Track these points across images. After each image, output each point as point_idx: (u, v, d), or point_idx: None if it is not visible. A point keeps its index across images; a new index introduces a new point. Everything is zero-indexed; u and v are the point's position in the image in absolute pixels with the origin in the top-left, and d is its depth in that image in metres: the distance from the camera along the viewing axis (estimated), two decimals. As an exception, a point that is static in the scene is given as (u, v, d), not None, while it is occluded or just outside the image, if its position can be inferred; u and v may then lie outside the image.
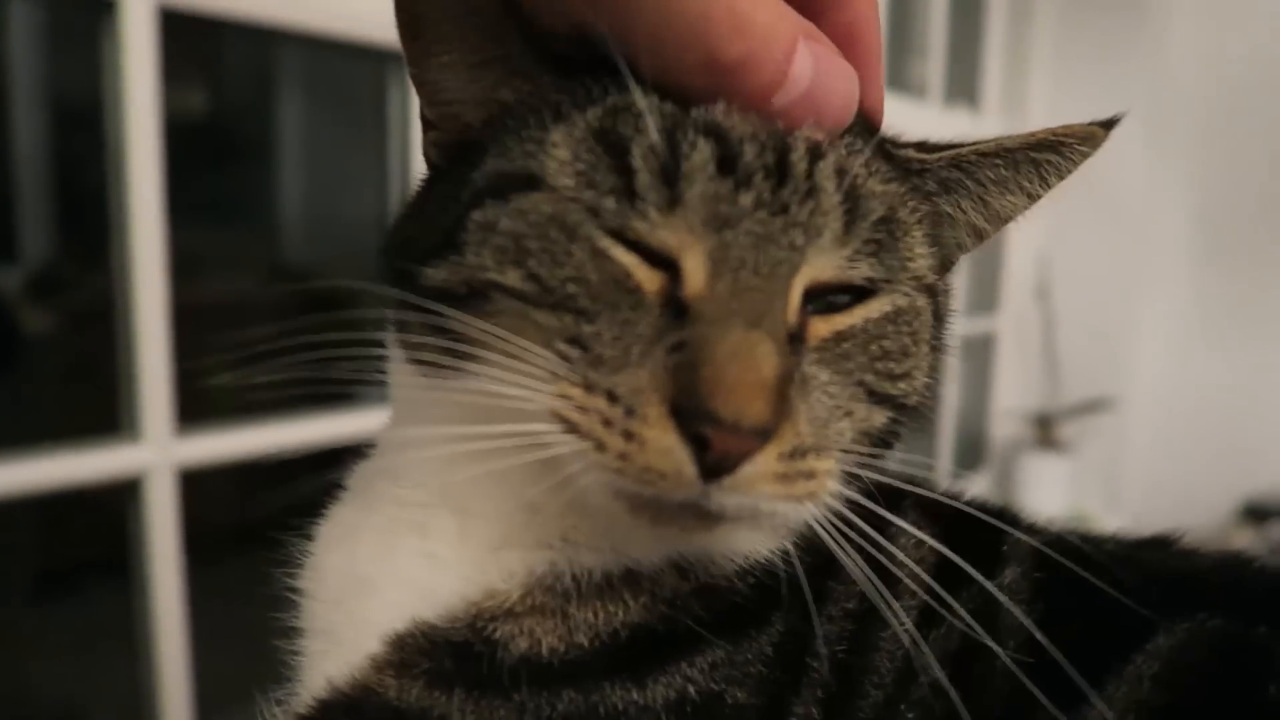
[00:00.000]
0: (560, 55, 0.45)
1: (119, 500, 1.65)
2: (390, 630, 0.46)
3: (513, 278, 0.41)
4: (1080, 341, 3.59)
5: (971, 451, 3.80)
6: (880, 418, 0.45)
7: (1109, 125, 0.48)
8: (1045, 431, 3.65)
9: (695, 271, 0.40)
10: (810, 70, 0.39)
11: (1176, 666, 0.43)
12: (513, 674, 0.44)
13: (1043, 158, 0.48)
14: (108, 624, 1.86)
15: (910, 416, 0.47)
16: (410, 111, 1.88)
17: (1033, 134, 0.48)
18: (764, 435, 0.38)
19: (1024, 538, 0.48)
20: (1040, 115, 3.66)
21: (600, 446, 0.39)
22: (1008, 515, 0.51)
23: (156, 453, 1.58)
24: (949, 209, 0.49)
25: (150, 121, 1.50)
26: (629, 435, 0.39)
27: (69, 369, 1.85)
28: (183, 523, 1.64)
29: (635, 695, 0.43)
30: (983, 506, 0.50)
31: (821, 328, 0.43)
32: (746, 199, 0.41)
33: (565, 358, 0.41)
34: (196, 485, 1.66)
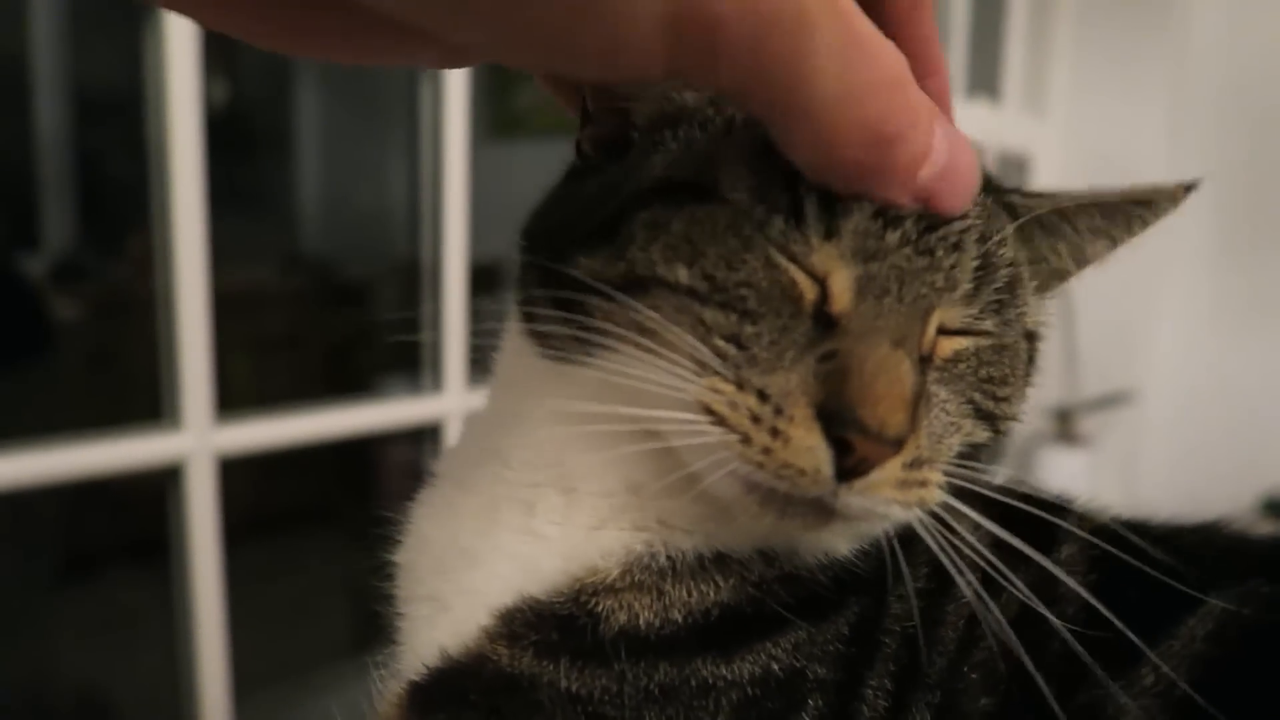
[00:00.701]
0: None
1: (144, 487, 1.67)
2: (498, 603, 0.50)
3: (683, 275, 0.45)
4: (1099, 336, 3.57)
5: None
6: (982, 434, 0.49)
7: (1189, 188, 0.53)
8: (1064, 425, 3.63)
9: (842, 292, 0.44)
10: (947, 146, 0.40)
11: (1229, 625, 0.45)
12: (613, 645, 0.47)
13: (1135, 211, 0.53)
14: (134, 609, 1.89)
15: (998, 438, 0.51)
16: (443, 103, 1.89)
17: (1129, 190, 0.52)
18: (898, 445, 0.42)
19: (1077, 521, 0.52)
20: (1061, 107, 3.64)
21: (746, 440, 0.42)
22: (1062, 501, 0.56)
23: (197, 440, 1.61)
24: (1048, 253, 0.54)
25: (192, 112, 1.52)
26: (775, 432, 0.42)
27: (92, 356, 1.87)
28: (219, 512, 1.67)
29: (724, 670, 0.47)
30: (1039, 494, 0.53)
31: (945, 347, 0.47)
32: (892, 238, 0.44)
33: (721, 354, 0.44)
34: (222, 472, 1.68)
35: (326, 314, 2.22)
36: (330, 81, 2.13)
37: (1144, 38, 3.43)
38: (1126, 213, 0.52)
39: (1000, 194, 0.52)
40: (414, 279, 2.01)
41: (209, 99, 1.58)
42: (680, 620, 0.48)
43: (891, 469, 0.42)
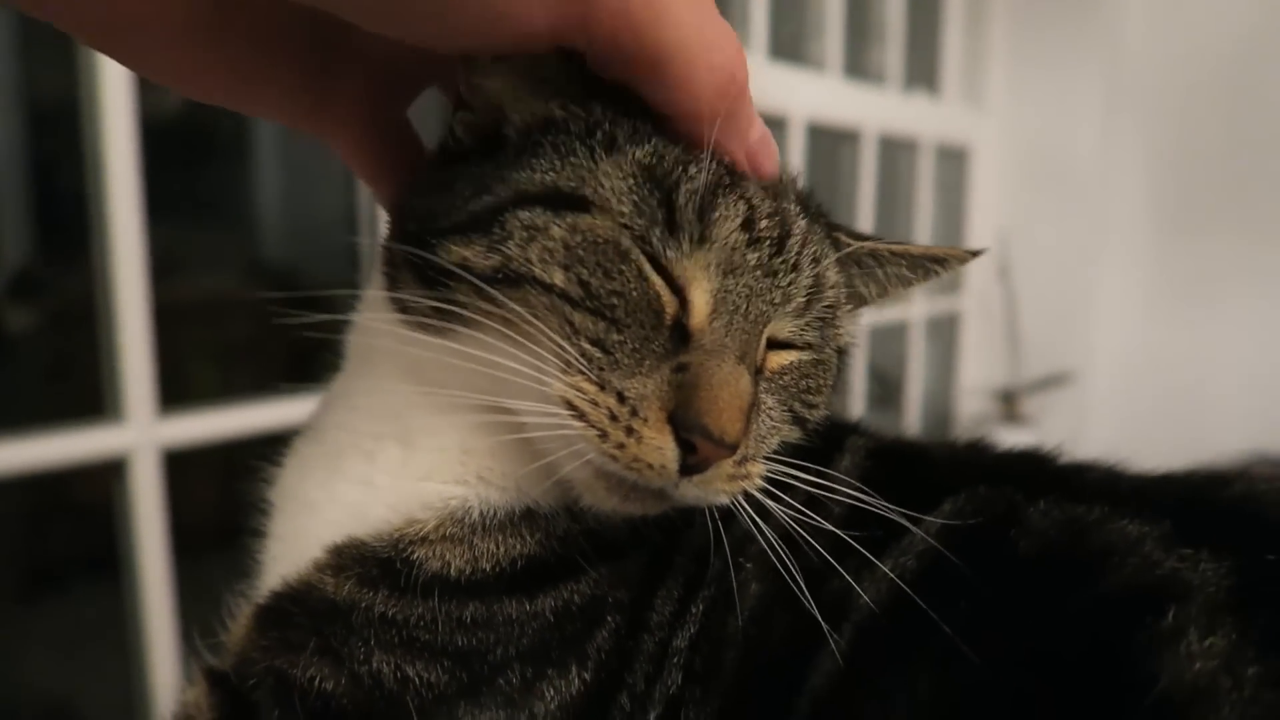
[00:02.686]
0: (602, 82, 0.50)
1: (104, 499, 1.67)
2: (329, 540, 0.56)
3: (559, 278, 0.49)
4: (1041, 318, 3.69)
5: (938, 428, 3.89)
6: (795, 434, 0.57)
7: (975, 254, 0.62)
8: (1009, 406, 3.74)
9: (700, 307, 0.50)
10: (761, 125, 0.49)
11: (954, 520, 0.53)
12: (426, 587, 0.53)
13: (932, 265, 0.61)
14: (97, 621, 1.89)
15: (804, 436, 0.58)
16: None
17: (929, 248, 0.60)
18: (734, 449, 0.48)
19: (861, 440, 0.62)
20: (999, 98, 3.75)
21: (604, 435, 0.48)
22: (851, 424, 0.65)
23: (140, 434, 1.62)
24: (859, 284, 0.61)
25: (126, 121, 1.54)
26: (630, 431, 0.47)
27: (50, 367, 1.87)
28: (166, 510, 1.68)
29: (526, 606, 0.53)
30: (839, 420, 0.63)
31: (774, 361, 0.54)
32: (753, 257, 0.51)
33: (586, 356, 0.48)
34: (175, 480, 1.69)
35: (289, 319, 2.23)
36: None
37: (1079, 28, 3.55)
38: (925, 266, 0.61)
39: (831, 227, 0.59)
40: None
41: (163, 108, 1.60)
42: (488, 569, 0.54)
43: (725, 466, 0.49)
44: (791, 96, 2.78)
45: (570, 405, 0.48)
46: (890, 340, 3.52)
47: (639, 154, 0.50)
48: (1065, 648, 0.46)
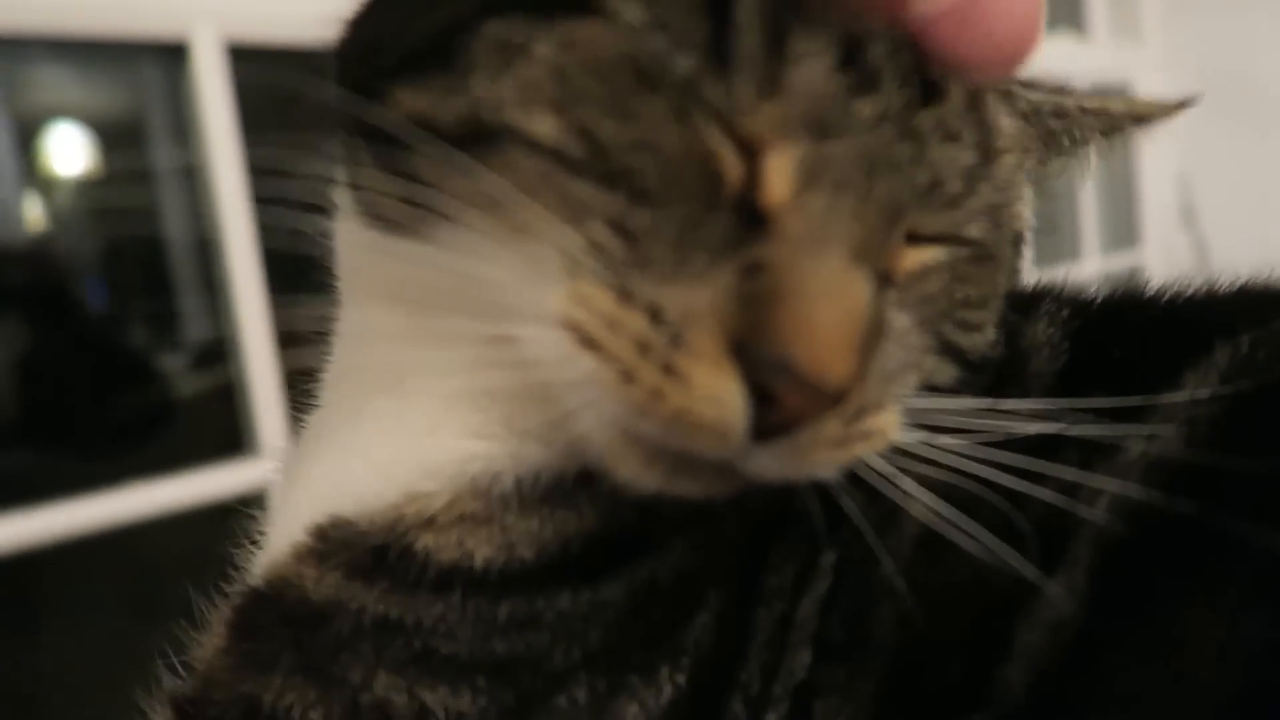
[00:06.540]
0: None
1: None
2: (310, 520, 0.40)
3: (547, 127, 0.32)
4: (1239, 264, 3.30)
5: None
6: (945, 374, 0.38)
7: (1183, 105, 0.45)
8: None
9: (779, 177, 0.32)
10: None
11: (1240, 370, 0.36)
12: (442, 580, 0.37)
13: (1136, 128, 0.44)
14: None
15: (966, 376, 0.39)
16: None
17: (1132, 104, 0.44)
18: (838, 398, 0.31)
19: (1054, 302, 0.44)
20: (1157, 27, 3.39)
21: (629, 377, 0.31)
22: (1043, 289, 0.46)
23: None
24: (1044, 159, 0.44)
25: (250, 254, 1.84)
26: (669, 369, 0.31)
27: (215, 429, 2.22)
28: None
29: (588, 594, 0.37)
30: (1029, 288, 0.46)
31: (912, 259, 0.36)
32: (865, 109, 0.32)
33: (599, 248, 0.32)
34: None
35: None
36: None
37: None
38: (1125, 127, 0.44)
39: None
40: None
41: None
42: (530, 557, 0.37)
43: (827, 426, 0.32)
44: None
45: (576, 329, 0.32)
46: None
47: None
48: None
